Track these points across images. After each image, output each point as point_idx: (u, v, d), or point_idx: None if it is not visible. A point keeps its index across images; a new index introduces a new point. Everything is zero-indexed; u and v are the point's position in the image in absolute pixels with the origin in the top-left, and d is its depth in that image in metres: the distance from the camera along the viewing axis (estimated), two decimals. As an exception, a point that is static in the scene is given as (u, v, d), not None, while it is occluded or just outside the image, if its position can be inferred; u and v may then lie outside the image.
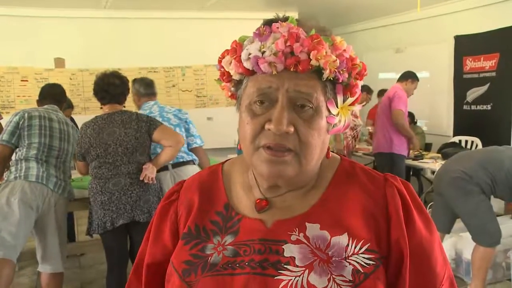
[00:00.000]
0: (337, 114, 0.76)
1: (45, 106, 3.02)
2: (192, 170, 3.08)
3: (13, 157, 2.85)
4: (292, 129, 0.72)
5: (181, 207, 0.87)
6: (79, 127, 2.84)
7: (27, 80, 5.29)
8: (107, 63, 4.83)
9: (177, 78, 6.04)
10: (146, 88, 3.36)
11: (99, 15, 5.66)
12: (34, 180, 2.73)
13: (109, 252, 2.78)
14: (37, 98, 3.18)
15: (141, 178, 2.66)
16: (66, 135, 2.95)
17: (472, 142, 5.36)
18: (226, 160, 0.92)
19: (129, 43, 5.70)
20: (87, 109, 5.44)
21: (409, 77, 4.63)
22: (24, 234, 2.71)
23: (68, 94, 4.88)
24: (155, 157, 2.80)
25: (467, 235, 3.47)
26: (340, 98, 0.76)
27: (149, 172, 2.67)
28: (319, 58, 0.71)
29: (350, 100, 0.78)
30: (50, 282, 2.85)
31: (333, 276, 0.71)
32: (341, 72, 0.74)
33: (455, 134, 5.73)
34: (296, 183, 0.78)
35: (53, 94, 3.11)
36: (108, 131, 2.65)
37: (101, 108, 2.82)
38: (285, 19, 0.76)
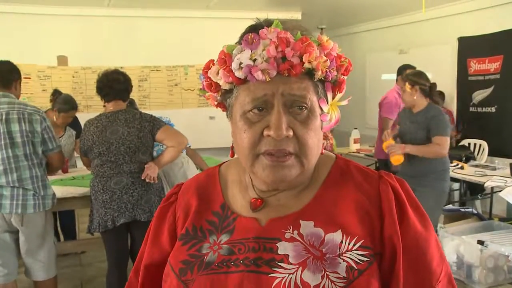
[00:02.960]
0: (328, 111, 0.79)
1: None
2: (180, 156, 3.12)
3: None
4: (291, 133, 0.73)
5: (179, 209, 0.88)
6: (82, 125, 2.83)
7: (29, 78, 5.29)
8: (110, 61, 4.82)
9: (180, 77, 6.05)
10: None
11: (102, 13, 5.67)
12: None
13: (110, 251, 2.78)
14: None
15: (143, 177, 2.66)
16: (8, 139, 2.49)
17: (480, 145, 5.33)
18: (223, 162, 0.94)
19: (132, 42, 5.70)
20: (89, 107, 5.45)
21: (398, 74, 4.38)
22: (9, 257, 2.62)
23: (70, 92, 4.92)
24: (158, 156, 2.80)
25: (469, 238, 3.46)
26: (330, 95, 0.78)
27: (151, 171, 2.67)
28: (311, 60, 0.73)
29: (338, 96, 0.80)
30: (43, 287, 2.80)
31: (327, 273, 0.71)
32: (331, 71, 0.76)
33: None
34: (296, 184, 0.79)
35: None
36: (111, 130, 2.65)
37: (104, 106, 2.81)
38: (270, 23, 0.75)
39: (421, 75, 3.33)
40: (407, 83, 3.30)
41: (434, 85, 3.30)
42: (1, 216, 2.55)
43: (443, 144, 3.22)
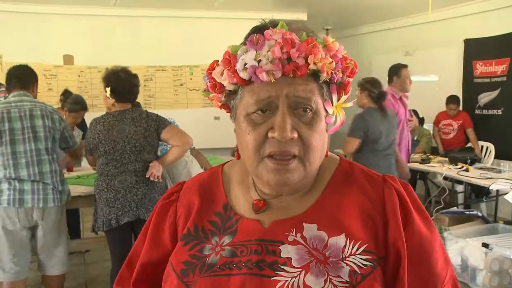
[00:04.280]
0: (333, 113, 0.78)
1: (10, 96, 2.68)
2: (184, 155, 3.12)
3: None
4: (296, 135, 0.72)
5: (181, 208, 0.87)
6: (87, 124, 2.84)
7: (36, 76, 5.32)
8: (116, 60, 4.80)
9: (185, 77, 6.06)
10: None
11: (108, 12, 5.69)
12: (6, 205, 2.57)
13: (114, 250, 2.79)
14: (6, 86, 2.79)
15: (147, 176, 2.67)
16: (31, 132, 2.60)
17: (487, 148, 5.29)
18: (227, 162, 0.93)
19: (138, 41, 5.72)
20: (94, 106, 5.46)
21: (391, 75, 4.19)
22: (23, 255, 2.67)
23: (76, 91, 4.94)
24: (162, 156, 2.80)
25: (473, 241, 3.44)
26: (335, 97, 0.77)
27: (155, 170, 2.68)
28: (317, 61, 0.72)
29: (344, 98, 0.79)
30: (51, 283, 2.85)
31: (330, 277, 0.70)
32: (337, 72, 0.75)
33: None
34: (299, 188, 0.78)
35: (18, 76, 2.72)
36: (118, 129, 2.66)
37: (113, 105, 2.81)
38: (275, 24, 0.75)
39: (374, 82, 3.62)
40: (357, 87, 3.62)
41: (383, 93, 3.60)
42: (23, 211, 2.61)
43: (346, 143, 3.56)
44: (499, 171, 4.21)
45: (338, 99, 0.78)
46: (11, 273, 2.63)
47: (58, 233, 2.78)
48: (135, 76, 2.81)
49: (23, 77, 2.72)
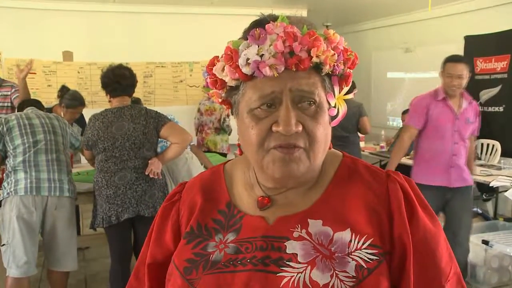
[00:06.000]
0: (334, 105, 0.77)
1: (24, 111, 2.99)
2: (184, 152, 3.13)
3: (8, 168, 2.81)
4: (300, 128, 0.72)
5: (183, 207, 0.86)
6: (86, 120, 2.84)
7: (35, 73, 5.30)
8: (115, 57, 4.83)
9: (185, 73, 6.05)
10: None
11: (107, 9, 5.68)
12: (23, 193, 2.66)
13: (113, 246, 2.79)
14: (17, 109, 3.17)
15: (146, 173, 2.66)
16: (50, 127, 2.85)
17: (493, 146, 5.26)
18: (228, 161, 0.92)
19: (137, 38, 5.71)
20: (94, 103, 5.46)
21: (442, 68, 3.13)
22: (31, 247, 2.70)
23: (75, 87, 4.93)
24: (162, 152, 2.80)
25: (473, 238, 3.44)
26: (336, 89, 0.77)
27: (155, 167, 2.67)
28: (320, 54, 0.71)
29: (345, 89, 0.79)
30: (58, 279, 2.87)
31: (336, 272, 0.70)
32: (338, 64, 0.75)
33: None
34: (303, 181, 0.78)
35: (29, 100, 3.24)
36: (117, 125, 2.65)
37: (109, 101, 2.80)
38: (274, 18, 0.74)
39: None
40: None
41: None
42: (40, 199, 2.70)
43: None
44: (499, 168, 4.21)
45: (340, 91, 0.78)
46: (25, 268, 2.65)
47: (72, 228, 2.88)
48: (125, 68, 2.79)
49: (32, 101, 3.17)
